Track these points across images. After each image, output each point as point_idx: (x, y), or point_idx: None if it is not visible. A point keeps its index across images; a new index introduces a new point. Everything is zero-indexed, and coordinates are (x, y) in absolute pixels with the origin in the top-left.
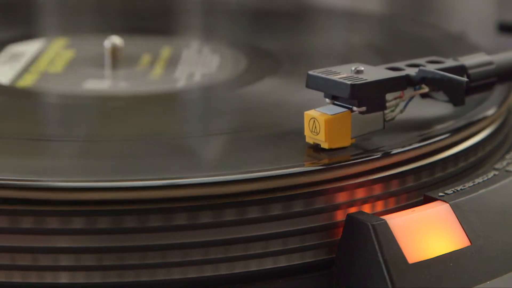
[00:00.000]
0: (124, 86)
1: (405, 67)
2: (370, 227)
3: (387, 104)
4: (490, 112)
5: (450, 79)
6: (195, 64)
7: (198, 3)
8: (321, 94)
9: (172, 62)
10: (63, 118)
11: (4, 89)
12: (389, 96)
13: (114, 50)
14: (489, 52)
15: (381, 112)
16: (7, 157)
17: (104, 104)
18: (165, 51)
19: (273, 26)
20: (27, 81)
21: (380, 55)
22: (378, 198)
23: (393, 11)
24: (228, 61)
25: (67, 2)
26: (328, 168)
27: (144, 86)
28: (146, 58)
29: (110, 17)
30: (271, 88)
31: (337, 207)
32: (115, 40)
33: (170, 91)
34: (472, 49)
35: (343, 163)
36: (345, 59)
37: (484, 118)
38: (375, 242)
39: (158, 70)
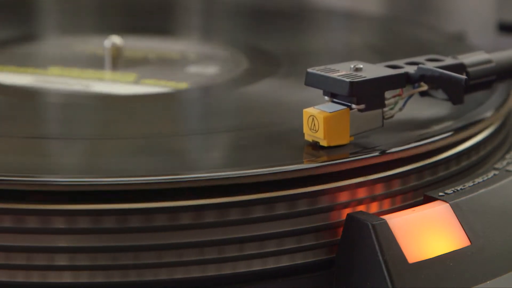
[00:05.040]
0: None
1: (404, 65)
2: (370, 227)
3: (386, 102)
4: (491, 111)
5: (449, 77)
6: (195, 64)
7: (198, 3)
8: (320, 92)
9: (172, 62)
10: (64, 117)
11: (5, 89)
12: (388, 94)
13: (114, 50)
14: (488, 52)
15: (380, 110)
16: (6, 156)
17: (104, 104)
18: (165, 51)
19: (273, 26)
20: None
21: (379, 56)
22: (378, 197)
23: (393, 11)
24: (228, 61)
25: (67, 2)
26: (327, 165)
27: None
28: (146, 58)
29: (110, 17)
30: (271, 88)
31: (337, 206)
32: (115, 40)
33: (170, 91)
34: (472, 49)
35: (342, 161)
36: (345, 60)
37: (485, 117)
38: (375, 242)
39: (159, 70)
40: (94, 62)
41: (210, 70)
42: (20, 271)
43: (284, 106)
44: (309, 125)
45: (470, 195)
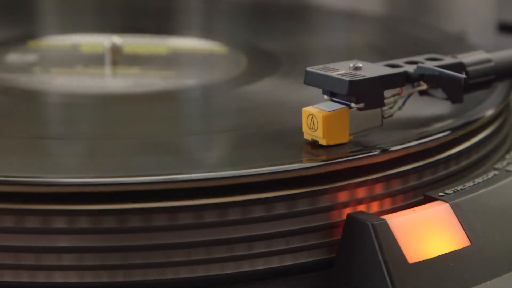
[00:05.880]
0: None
1: (403, 64)
2: (370, 227)
3: (385, 101)
4: (490, 111)
5: (449, 76)
6: (195, 64)
7: (198, 3)
8: (320, 91)
9: (172, 61)
10: (62, 118)
11: (3, 89)
12: (387, 93)
13: (114, 49)
14: (488, 52)
15: (379, 109)
16: (7, 156)
17: (103, 104)
18: (165, 51)
19: (273, 26)
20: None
21: (379, 55)
22: (378, 197)
23: (393, 11)
24: (228, 61)
25: (67, 2)
26: (326, 164)
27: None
28: (146, 58)
29: (110, 17)
30: (271, 88)
31: (337, 206)
32: (115, 40)
33: (171, 91)
34: (472, 49)
35: (342, 160)
36: (345, 59)
37: (484, 117)
38: (375, 242)
39: (159, 70)
40: (94, 62)
41: (210, 69)
42: (25, 271)
43: (284, 106)
44: (309, 124)
45: (470, 195)
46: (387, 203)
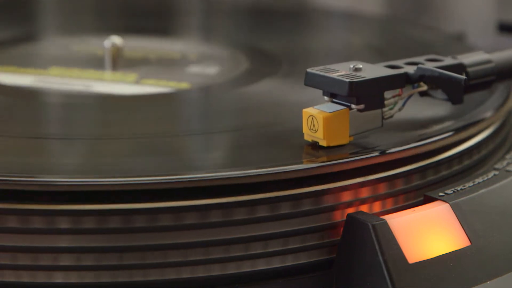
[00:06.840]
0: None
1: (403, 65)
2: (370, 227)
3: (386, 102)
4: (491, 112)
5: (449, 77)
6: (195, 64)
7: (198, 3)
8: (320, 92)
9: (173, 62)
10: (62, 118)
11: (5, 89)
12: (387, 94)
13: (114, 50)
14: (488, 52)
15: (379, 110)
16: (7, 156)
17: (104, 104)
18: (165, 51)
19: (273, 26)
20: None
21: (379, 56)
22: (378, 197)
23: (393, 12)
24: (228, 61)
25: (67, 2)
26: (327, 165)
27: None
28: (146, 58)
29: (110, 17)
30: (271, 88)
31: (337, 206)
32: (115, 40)
33: (170, 91)
34: (472, 50)
35: (342, 161)
36: (345, 60)
37: (485, 117)
38: (375, 242)
39: (159, 70)
40: (94, 63)
41: (210, 70)
42: (26, 271)
43: (284, 106)
44: (309, 125)
45: (470, 195)
46: (387, 204)
